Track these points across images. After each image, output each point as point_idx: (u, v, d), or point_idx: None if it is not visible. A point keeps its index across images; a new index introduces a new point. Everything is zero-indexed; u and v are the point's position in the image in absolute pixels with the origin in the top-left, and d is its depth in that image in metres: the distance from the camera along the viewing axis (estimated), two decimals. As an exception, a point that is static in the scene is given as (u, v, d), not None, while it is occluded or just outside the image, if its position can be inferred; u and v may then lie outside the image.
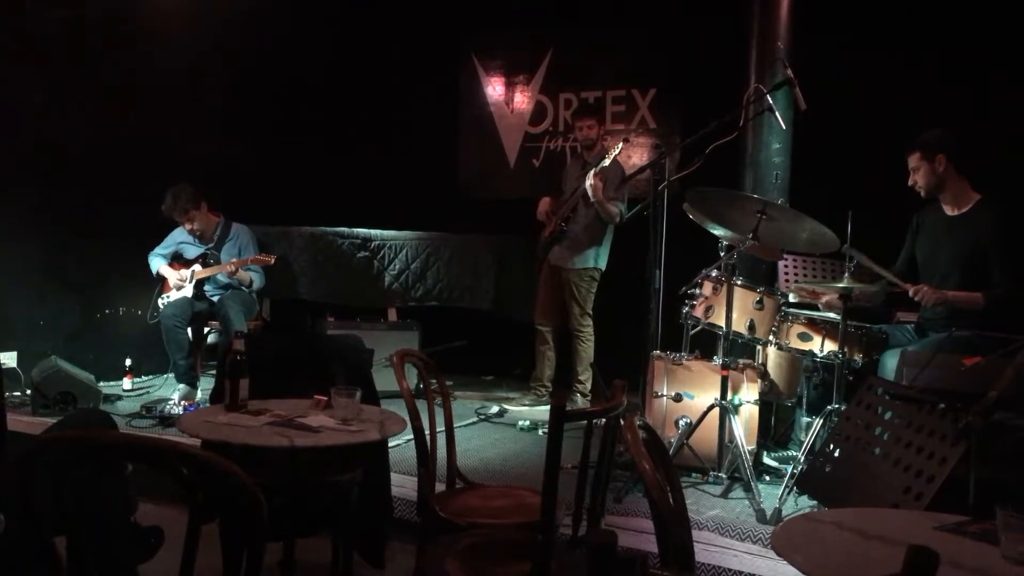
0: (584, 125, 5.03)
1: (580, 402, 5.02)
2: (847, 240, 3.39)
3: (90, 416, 3.38)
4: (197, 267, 5.11)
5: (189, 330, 5.04)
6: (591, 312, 5.05)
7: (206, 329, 5.23)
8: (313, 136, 6.58)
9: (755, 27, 4.74)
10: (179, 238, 5.22)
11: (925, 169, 3.65)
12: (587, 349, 5.05)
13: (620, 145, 4.86)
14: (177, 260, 5.21)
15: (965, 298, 3.53)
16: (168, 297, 5.10)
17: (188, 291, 5.07)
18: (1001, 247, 3.53)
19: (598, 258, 5.02)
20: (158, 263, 5.18)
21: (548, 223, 5.13)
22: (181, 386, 4.94)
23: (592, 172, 4.79)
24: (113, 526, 2.17)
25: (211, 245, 5.17)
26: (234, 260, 5.02)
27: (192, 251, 5.19)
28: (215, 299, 5.10)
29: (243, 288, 5.10)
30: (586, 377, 5.07)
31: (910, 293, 3.60)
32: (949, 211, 3.72)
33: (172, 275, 5.13)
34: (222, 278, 5.10)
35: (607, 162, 4.80)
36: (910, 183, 3.71)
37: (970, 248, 3.59)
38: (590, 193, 4.79)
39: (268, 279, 5.22)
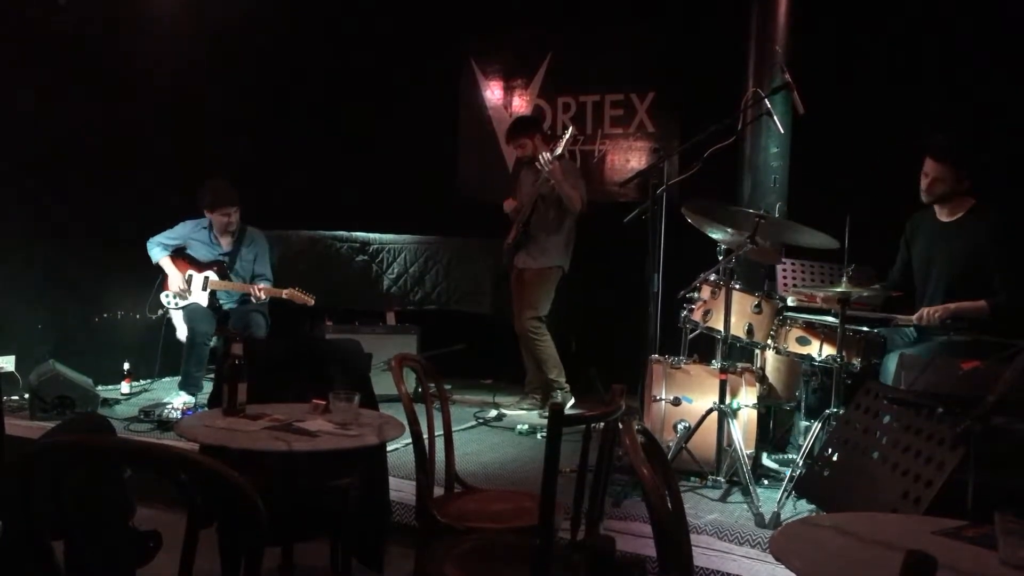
0: (516, 146, 5.09)
1: (559, 397, 5.01)
2: (845, 242, 3.39)
3: (88, 420, 3.37)
4: (212, 275, 4.99)
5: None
6: (542, 314, 5.03)
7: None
8: (311, 139, 6.58)
9: (753, 31, 4.75)
10: (190, 232, 5.07)
11: (950, 181, 3.58)
12: (546, 350, 5.04)
13: (570, 130, 4.91)
14: (180, 255, 5.06)
15: (970, 307, 3.52)
16: (177, 300, 4.98)
17: (202, 299, 4.97)
18: (999, 254, 3.52)
19: (562, 257, 5.03)
20: (159, 254, 5.01)
21: (514, 225, 5.14)
22: (182, 393, 4.88)
23: (550, 156, 4.80)
24: (111, 530, 2.17)
25: (225, 251, 5.07)
26: (270, 289, 4.91)
27: (203, 251, 5.06)
28: (228, 308, 5.04)
29: (252, 300, 4.99)
30: (557, 373, 5.05)
31: (914, 321, 3.60)
32: (943, 217, 3.71)
33: (176, 278, 4.97)
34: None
35: (559, 150, 4.82)
36: (922, 187, 3.65)
37: (965, 255, 3.58)
38: (547, 173, 4.80)
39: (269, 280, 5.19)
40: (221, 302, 5.07)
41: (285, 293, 4.90)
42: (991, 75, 4.59)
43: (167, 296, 5.03)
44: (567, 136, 4.85)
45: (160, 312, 5.05)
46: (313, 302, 4.93)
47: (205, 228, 5.07)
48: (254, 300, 4.95)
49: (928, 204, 3.72)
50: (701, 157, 3.80)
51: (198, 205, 5.02)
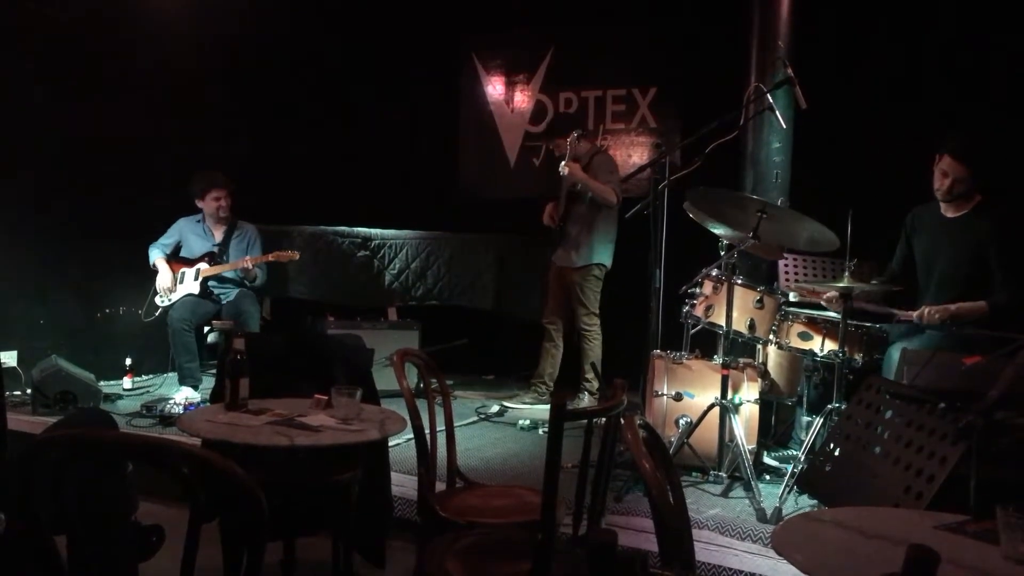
0: (553, 147, 5.10)
1: (587, 401, 5.01)
2: (847, 239, 3.38)
3: (90, 415, 3.38)
4: (203, 265, 5.10)
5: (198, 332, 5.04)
6: (597, 311, 5.04)
7: (206, 328, 5.22)
8: (313, 135, 6.58)
9: (755, 26, 4.74)
10: (184, 226, 5.21)
11: (968, 183, 3.55)
12: (593, 348, 5.04)
13: (575, 133, 4.91)
14: (177, 255, 5.19)
15: (969, 309, 3.49)
16: (170, 297, 5.09)
17: (194, 288, 5.06)
18: (1002, 250, 3.50)
19: (600, 253, 5.01)
20: (156, 255, 5.17)
21: (554, 226, 5.16)
22: (184, 388, 4.92)
23: (562, 163, 4.83)
24: (113, 525, 2.17)
25: (218, 242, 5.17)
26: (256, 257, 5.02)
27: (198, 244, 5.17)
28: (221, 297, 5.10)
29: (247, 283, 5.10)
30: (592, 376, 5.06)
31: (914, 319, 3.58)
32: (948, 213, 3.68)
33: (165, 276, 5.10)
34: (228, 273, 5.10)
35: (568, 151, 4.83)
36: (940, 186, 3.60)
37: (970, 251, 3.56)
38: (564, 174, 4.81)
39: (268, 278, 5.22)
40: (215, 291, 5.12)
41: (271, 256, 5.04)
42: (992, 70, 4.58)
43: (160, 297, 5.14)
44: (571, 139, 4.84)
45: (157, 314, 5.12)
46: (298, 256, 5.05)
47: (199, 221, 5.22)
48: (244, 275, 5.05)
49: (943, 201, 3.68)
50: (703, 152, 3.79)
51: (190, 197, 5.14)
